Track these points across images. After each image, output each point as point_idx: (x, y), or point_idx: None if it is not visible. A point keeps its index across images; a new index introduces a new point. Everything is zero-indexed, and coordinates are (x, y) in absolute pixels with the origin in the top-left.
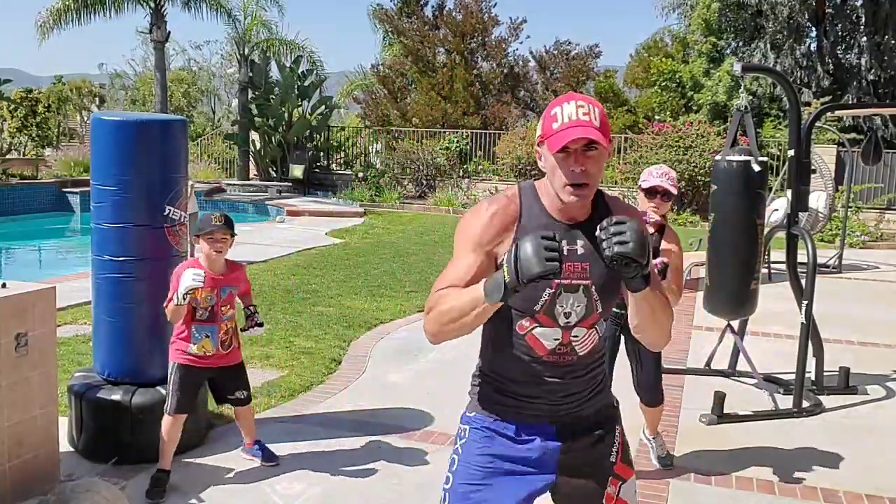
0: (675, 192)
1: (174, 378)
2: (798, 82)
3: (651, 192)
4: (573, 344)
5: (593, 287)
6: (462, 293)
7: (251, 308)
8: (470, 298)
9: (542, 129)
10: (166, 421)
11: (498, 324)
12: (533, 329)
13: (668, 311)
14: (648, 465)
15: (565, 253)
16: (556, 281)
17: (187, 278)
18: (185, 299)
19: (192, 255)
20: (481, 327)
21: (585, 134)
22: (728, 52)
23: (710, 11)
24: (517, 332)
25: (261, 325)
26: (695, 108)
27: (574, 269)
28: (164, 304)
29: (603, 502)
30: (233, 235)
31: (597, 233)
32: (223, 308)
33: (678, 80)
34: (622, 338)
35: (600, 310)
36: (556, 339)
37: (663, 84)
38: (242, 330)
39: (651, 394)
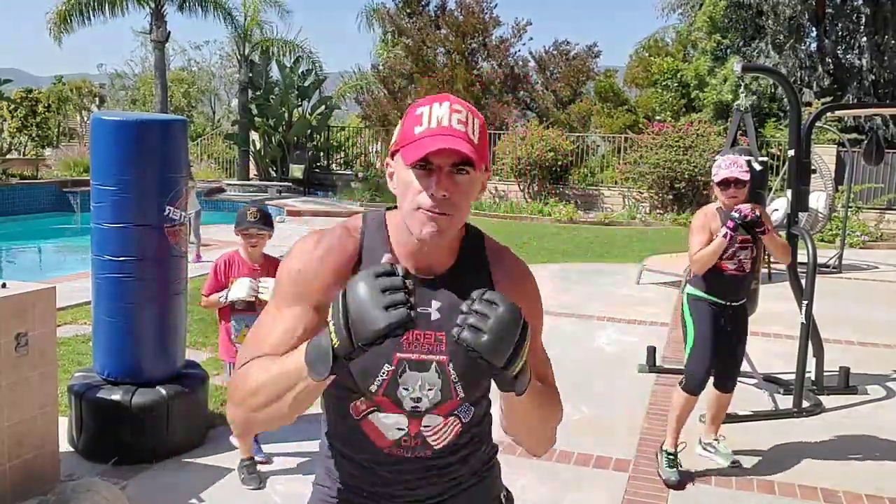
0: (746, 177)
1: (228, 373)
2: (798, 82)
3: (724, 185)
4: (424, 435)
5: (450, 365)
6: (276, 365)
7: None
8: (286, 371)
9: (400, 134)
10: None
11: (330, 404)
12: (369, 413)
13: (549, 416)
14: (648, 463)
15: (412, 314)
16: (399, 355)
17: (242, 289)
18: (237, 303)
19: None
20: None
21: (456, 146)
22: (731, 51)
23: (716, 9)
24: (351, 416)
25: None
26: (699, 107)
27: (425, 339)
28: (204, 292)
29: None
30: (271, 231)
31: (462, 305)
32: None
33: (680, 80)
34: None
35: (462, 394)
36: (400, 430)
37: (664, 84)
38: None
39: (729, 376)
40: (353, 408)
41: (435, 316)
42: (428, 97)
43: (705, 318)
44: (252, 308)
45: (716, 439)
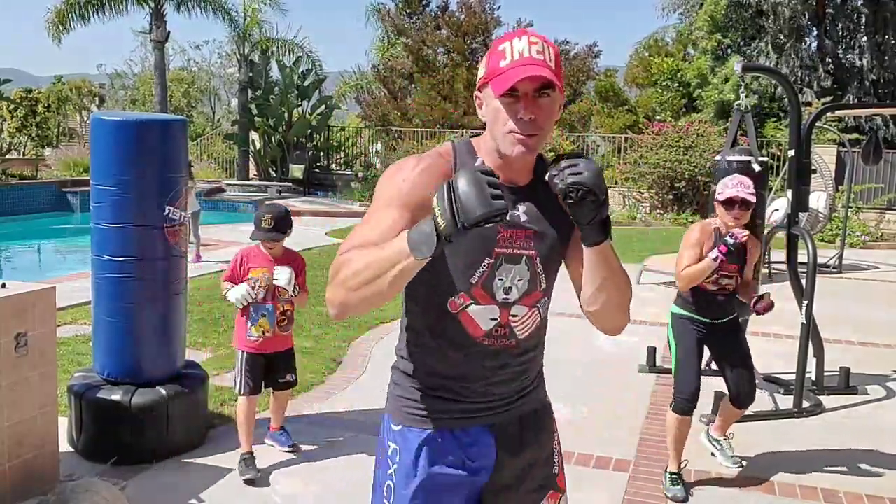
0: (753, 200)
1: (241, 364)
2: (799, 82)
3: (728, 204)
4: (512, 325)
5: (538, 259)
6: (379, 250)
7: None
8: (390, 253)
9: (487, 68)
10: (241, 403)
11: (424, 301)
12: (467, 307)
13: (628, 280)
14: (648, 463)
15: (507, 218)
16: (497, 250)
17: (239, 291)
18: (255, 293)
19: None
20: (404, 306)
21: (539, 72)
22: (731, 50)
23: (717, 8)
24: (448, 311)
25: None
26: (700, 106)
27: (516, 236)
28: (223, 278)
29: None
30: (287, 235)
31: (547, 175)
32: (280, 289)
33: (680, 80)
34: (705, 347)
35: (544, 286)
36: (493, 319)
37: (664, 83)
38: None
39: (746, 395)
40: (451, 304)
41: (523, 218)
42: (507, 34)
43: (687, 336)
44: (271, 299)
45: (724, 437)
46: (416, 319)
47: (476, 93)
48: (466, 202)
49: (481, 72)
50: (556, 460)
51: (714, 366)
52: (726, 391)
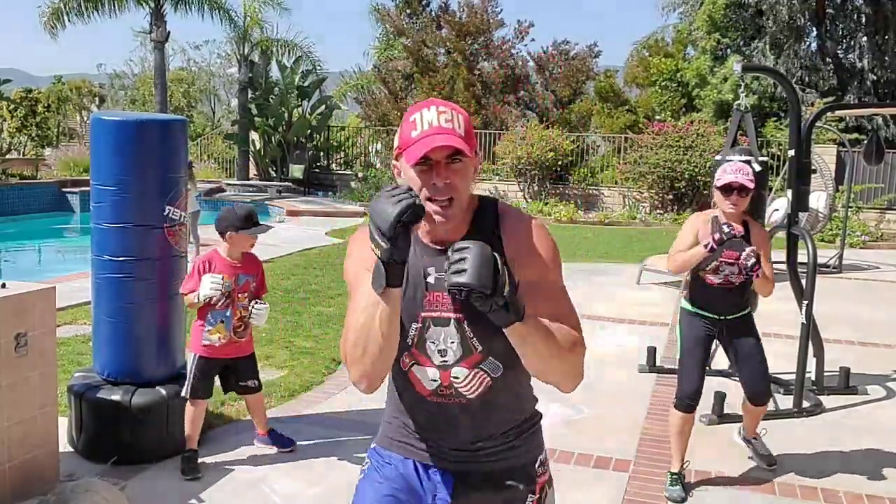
0: (751, 186)
1: (194, 366)
2: (799, 82)
3: (726, 190)
4: (455, 386)
5: (466, 322)
6: (356, 314)
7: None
8: (365, 307)
9: (400, 139)
10: (188, 406)
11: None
12: (412, 366)
13: (562, 350)
14: (648, 463)
15: (432, 281)
16: (423, 314)
17: (205, 286)
18: (214, 301)
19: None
20: None
21: (448, 142)
22: (731, 50)
23: (715, 8)
24: (401, 369)
25: (262, 305)
26: (699, 106)
27: (443, 299)
28: (183, 291)
29: None
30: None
31: (444, 263)
32: (239, 295)
33: (679, 80)
34: (716, 343)
35: (479, 348)
36: (434, 381)
37: (663, 84)
38: (243, 317)
39: (758, 393)
40: (401, 362)
41: None
42: (416, 104)
43: (692, 332)
44: (229, 305)
45: (755, 436)
46: (391, 369)
47: (393, 162)
48: (378, 218)
49: (396, 142)
50: None
51: (713, 366)
52: (727, 391)
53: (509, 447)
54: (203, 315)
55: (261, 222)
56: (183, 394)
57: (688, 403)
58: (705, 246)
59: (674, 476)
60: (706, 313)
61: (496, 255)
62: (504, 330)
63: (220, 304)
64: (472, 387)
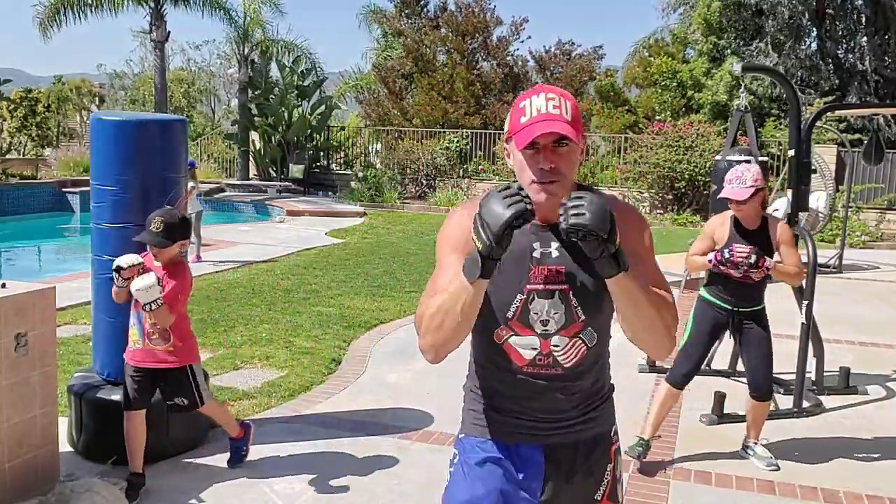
0: (747, 195)
1: (125, 376)
2: (799, 83)
3: (727, 200)
4: (554, 354)
5: (571, 293)
6: (445, 292)
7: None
8: (454, 290)
9: (510, 125)
10: (125, 419)
11: (478, 334)
12: (509, 338)
13: (661, 307)
14: (648, 463)
15: (538, 256)
16: (528, 286)
17: (118, 260)
18: (117, 280)
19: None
20: (469, 339)
21: (554, 129)
22: (729, 51)
23: (710, 11)
24: (495, 342)
25: (149, 284)
26: (695, 107)
27: (548, 272)
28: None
29: None
30: (175, 242)
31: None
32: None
33: (679, 80)
34: (726, 333)
35: (582, 317)
36: (533, 349)
37: (663, 84)
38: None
39: (758, 384)
40: (496, 335)
41: (555, 254)
42: (527, 91)
43: (705, 319)
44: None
45: (755, 442)
46: (476, 348)
47: (504, 145)
48: (489, 217)
49: (506, 126)
50: (602, 488)
51: (714, 366)
52: (714, 390)
53: (592, 416)
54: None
55: (165, 231)
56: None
57: (680, 380)
58: (709, 261)
59: (642, 441)
60: (722, 303)
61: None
62: (609, 282)
63: (134, 303)
64: (569, 355)
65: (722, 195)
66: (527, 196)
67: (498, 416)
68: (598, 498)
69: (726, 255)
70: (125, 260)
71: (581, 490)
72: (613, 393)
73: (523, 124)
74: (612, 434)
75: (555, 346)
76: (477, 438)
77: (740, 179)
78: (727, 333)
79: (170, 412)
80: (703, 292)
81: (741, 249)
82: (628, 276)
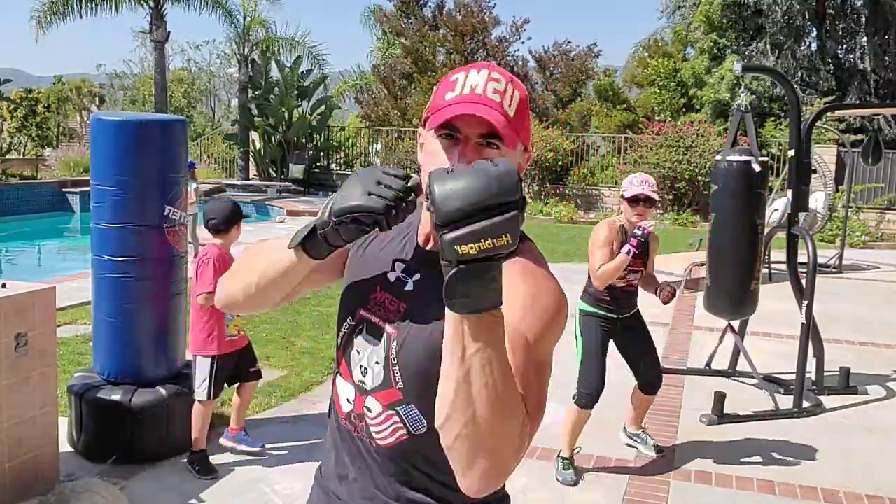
0: (657, 198)
1: (213, 368)
2: (799, 83)
3: (633, 201)
4: (367, 420)
5: (394, 343)
6: (271, 247)
7: None
8: (275, 246)
9: (432, 101)
10: (198, 408)
11: None
12: (336, 375)
13: (506, 408)
14: (648, 463)
15: (391, 279)
16: (362, 312)
17: None
18: None
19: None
20: None
21: (483, 115)
22: (730, 50)
23: (712, 8)
24: (333, 375)
25: None
26: (697, 105)
27: (388, 304)
28: (210, 289)
29: None
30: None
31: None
32: None
33: (678, 80)
34: (610, 343)
35: (400, 384)
36: (349, 402)
37: (662, 83)
38: None
39: (653, 382)
40: (334, 366)
41: (409, 286)
42: (467, 65)
43: (593, 333)
44: None
45: (642, 429)
46: None
47: (419, 129)
48: (344, 191)
49: (427, 105)
50: None
51: (714, 366)
52: (714, 391)
53: None
54: (215, 314)
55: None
56: (201, 398)
57: (589, 401)
58: (627, 253)
59: (565, 461)
60: (605, 313)
61: (519, 206)
62: (448, 323)
63: None
64: (382, 431)
65: (636, 193)
66: (407, 201)
67: (326, 490)
68: None
69: (639, 233)
70: None
71: None
72: None
73: (447, 101)
74: None
75: (367, 408)
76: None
77: (648, 182)
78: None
79: (253, 380)
80: (585, 307)
81: (647, 223)
82: (484, 323)
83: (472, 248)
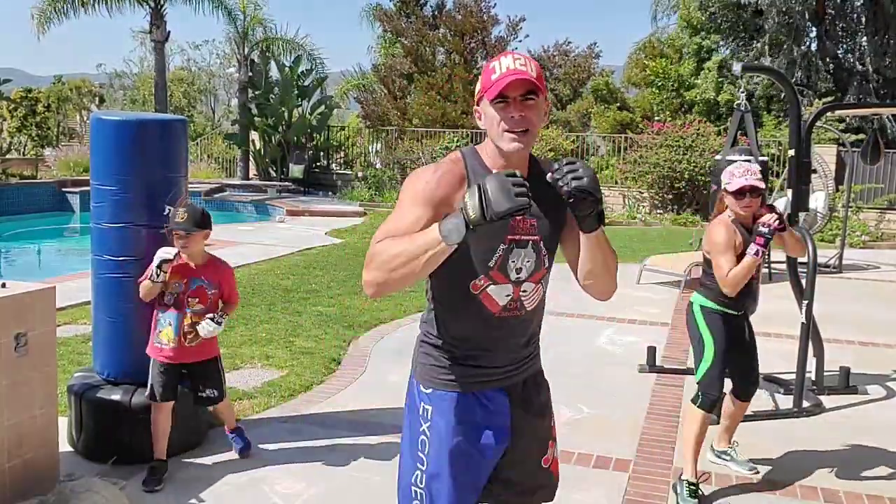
0: (762, 185)
1: (152, 370)
2: (798, 83)
3: (739, 194)
4: (522, 299)
5: (542, 242)
6: (412, 238)
7: (222, 312)
8: (423, 241)
9: (482, 84)
10: (153, 409)
11: (449, 285)
12: (487, 287)
13: (615, 257)
14: (648, 463)
15: (530, 202)
16: (509, 237)
17: (160, 252)
18: (158, 276)
19: None
20: (429, 291)
21: (523, 76)
22: (724, 52)
23: (690, 12)
24: (471, 292)
25: (218, 323)
26: (686, 106)
27: (522, 224)
28: (138, 281)
29: (541, 464)
30: (203, 230)
31: (549, 176)
32: (190, 299)
33: (675, 80)
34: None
35: (546, 264)
36: (507, 296)
37: (659, 84)
38: (195, 323)
39: (753, 387)
40: (473, 286)
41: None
42: (494, 56)
43: (723, 332)
44: (178, 307)
45: (730, 445)
46: (443, 301)
47: (475, 108)
48: (495, 199)
49: (477, 89)
50: (551, 413)
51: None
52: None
53: (534, 353)
54: (156, 313)
55: (177, 222)
56: (146, 395)
57: (713, 405)
58: (756, 254)
59: (692, 486)
60: (731, 311)
61: None
62: (586, 237)
63: (168, 301)
64: (532, 299)
65: (741, 185)
66: (528, 191)
67: (466, 368)
68: (552, 423)
69: (765, 231)
70: (169, 252)
71: (538, 428)
72: None
73: (494, 80)
74: (541, 368)
75: (523, 291)
76: (447, 392)
77: (751, 171)
78: None
79: (198, 405)
80: (709, 304)
81: (768, 217)
82: (602, 230)
83: (596, 208)
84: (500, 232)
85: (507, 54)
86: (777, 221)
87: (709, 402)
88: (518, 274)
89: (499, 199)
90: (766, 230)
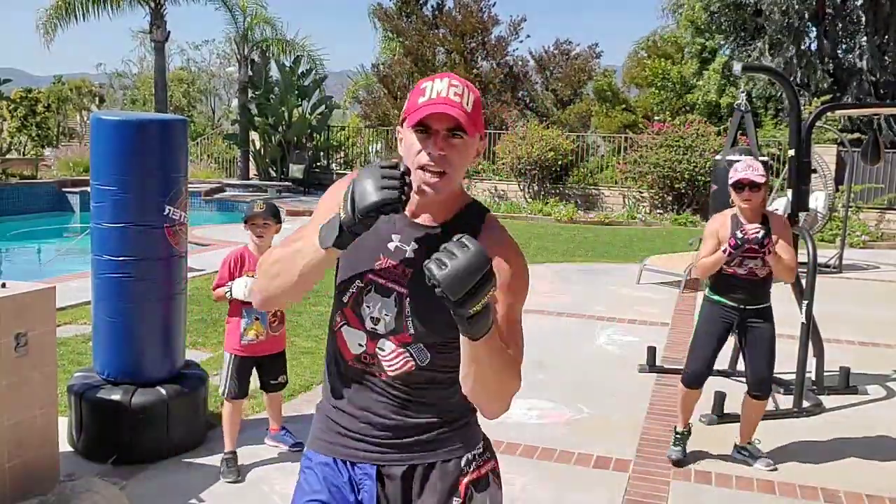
0: (761, 181)
1: (230, 367)
2: (798, 83)
3: (738, 186)
4: (380, 357)
5: (408, 300)
6: (293, 245)
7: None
8: (301, 246)
9: (407, 104)
10: (226, 407)
11: (331, 311)
12: (342, 326)
13: (504, 372)
14: (648, 463)
15: (392, 248)
16: (370, 276)
17: (239, 289)
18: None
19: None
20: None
21: (450, 112)
22: (725, 52)
23: (695, 12)
24: (332, 329)
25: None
26: (688, 107)
27: (393, 269)
28: (214, 287)
29: None
30: (277, 223)
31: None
32: None
33: (674, 80)
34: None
35: (412, 331)
36: (360, 345)
37: (660, 84)
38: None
39: (760, 380)
40: (334, 321)
41: (409, 254)
42: (433, 75)
43: (710, 318)
44: None
45: (749, 443)
46: (328, 336)
47: (398, 127)
48: (360, 193)
49: (404, 108)
50: None
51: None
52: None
53: (433, 439)
54: (237, 312)
55: (258, 211)
56: (222, 394)
57: (693, 380)
58: (724, 251)
59: (677, 435)
60: (728, 301)
61: (493, 272)
62: (462, 339)
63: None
64: (395, 365)
65: (739, 178)
66: (407, 184)
67: (334, 430)
68: None
69: (740, 236)
70: (237, 291)
71: None
72: (473, 421)
73: (420, 104)
74: (465, 464)
75: (380, 349)
76: (316, 454)
77: (753, 167)
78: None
79: (270, 391)
80: (709, 293)
81: (751, 227)
82: (482, 344)
83: (475, 307)
84: (366, 261)
85: (444, 76)
86: (758, 233)
87: (688, 377)
88: (374, 324)
89: (365, 191)
90: (740, 235)
